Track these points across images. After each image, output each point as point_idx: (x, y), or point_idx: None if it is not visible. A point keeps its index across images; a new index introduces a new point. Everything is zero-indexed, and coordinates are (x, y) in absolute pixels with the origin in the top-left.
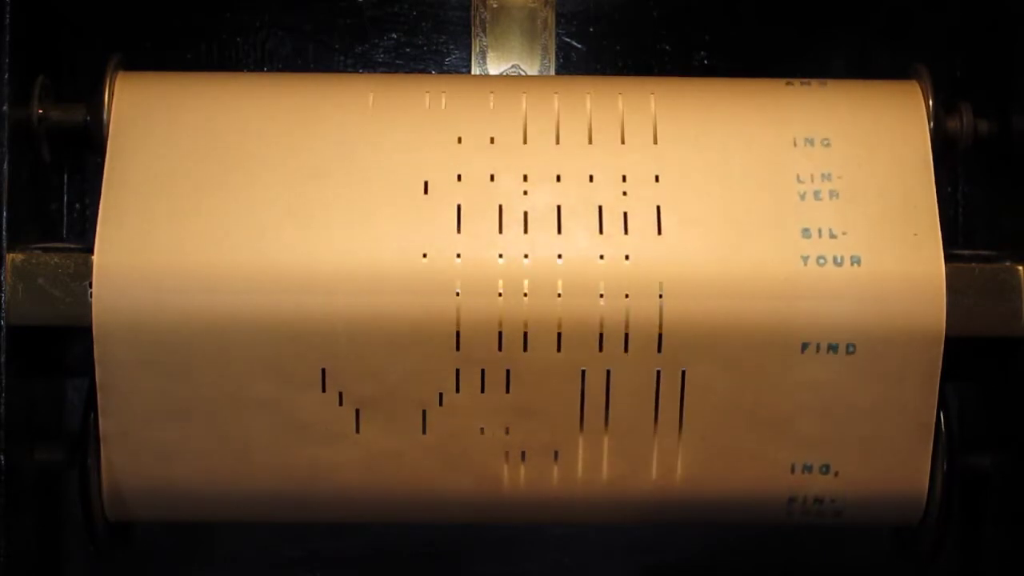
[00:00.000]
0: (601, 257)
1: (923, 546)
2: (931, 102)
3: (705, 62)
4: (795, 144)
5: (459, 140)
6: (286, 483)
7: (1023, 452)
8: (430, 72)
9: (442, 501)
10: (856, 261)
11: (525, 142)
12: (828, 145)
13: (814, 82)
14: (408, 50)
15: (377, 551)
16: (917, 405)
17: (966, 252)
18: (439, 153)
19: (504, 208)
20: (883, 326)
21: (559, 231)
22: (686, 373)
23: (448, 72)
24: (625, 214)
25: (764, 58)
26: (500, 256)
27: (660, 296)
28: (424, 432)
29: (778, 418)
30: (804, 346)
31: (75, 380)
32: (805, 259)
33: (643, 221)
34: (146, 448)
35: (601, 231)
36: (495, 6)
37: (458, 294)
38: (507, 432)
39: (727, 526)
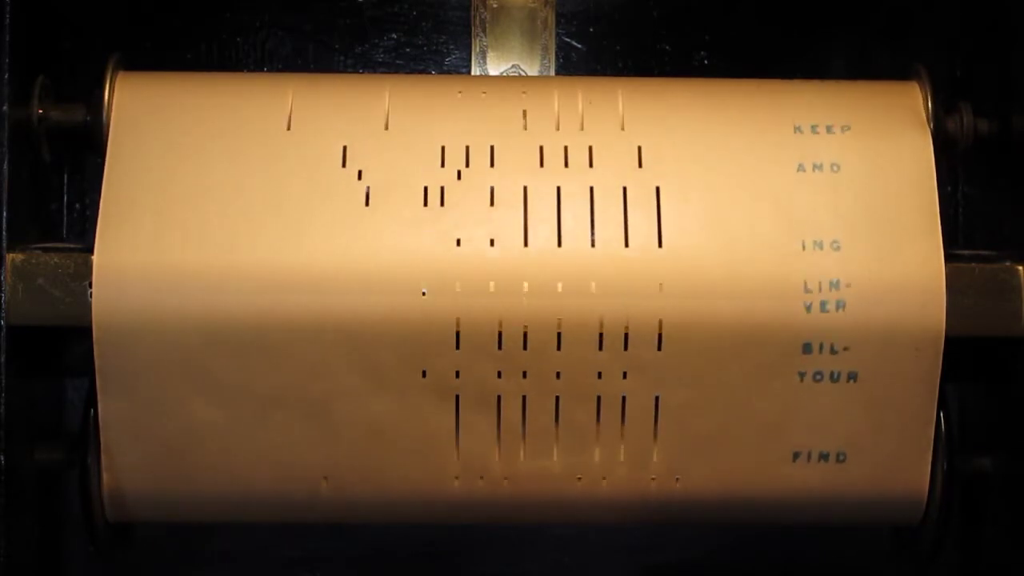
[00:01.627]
0: (599, 375)
1: (923, 546)
2: (931, 102)
3: (705, 62)
4: (804, 247)
5: (458, 243)
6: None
7: (1023, 452)
8: (430, 72)
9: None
10: (853, 377)
11: (526, 245)
12: (838, 249)
13: (826, 166)
14: (408, 50)
15: (377, 551)
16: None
17: (966, 252)
18: (438, 257)
19: (504, 321)
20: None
21: (558, 347)
22: (679, 479)
23: (448, 71)
24: (626, 332)
25: (764, 58)
26: (499, 374)
27: (655, 413)
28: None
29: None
30: (796, 455)
31: (75, 380)
32: (802, 375)
33: (644, 337)
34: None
35: (601, 348)
36: (495, 6)
37: (458, 414)
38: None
39: (727, 526)
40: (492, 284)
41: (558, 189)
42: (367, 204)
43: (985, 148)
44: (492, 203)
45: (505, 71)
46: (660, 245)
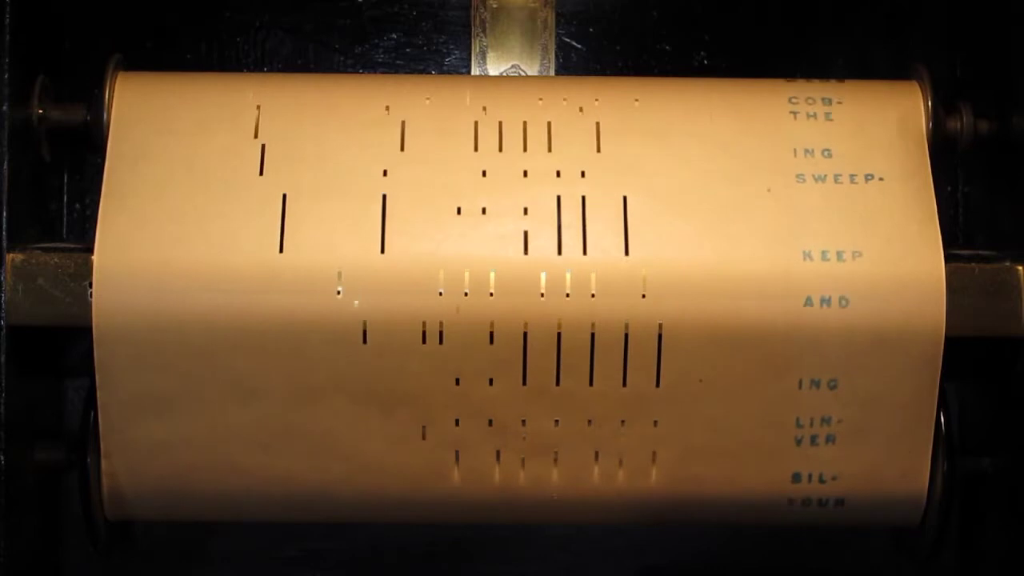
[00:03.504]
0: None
1: (923, 546)
2: (931, 102)
3: (705, 62)
4: (800, 386)
5: (457, 382)
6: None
7: (1023, 452)
8: (430, 72)
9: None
10: (840, 503)
11: (525, 383)
12: (835, 387)
13: (834, 300)
14: (408, 50)
15: (377, 551)
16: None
17: (966, 252)
18: (438, 394)
19: (502, 452)
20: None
21: (554, 478)
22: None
23: (448, 72)
24: (620, 464)
25: (764, 58)
26: (498, 489)
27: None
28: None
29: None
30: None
31: (75, 380)
32: (791, 501)
33: (639, 462)
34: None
35: (597, 468)
36: (495, 6)
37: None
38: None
39: (727, 526)
40: (491, 420)
41: (559, 324)
42: (364, 342)
43: (985, 148)
44: (492, 341)
45: (505, 71)
46: (658, 384)
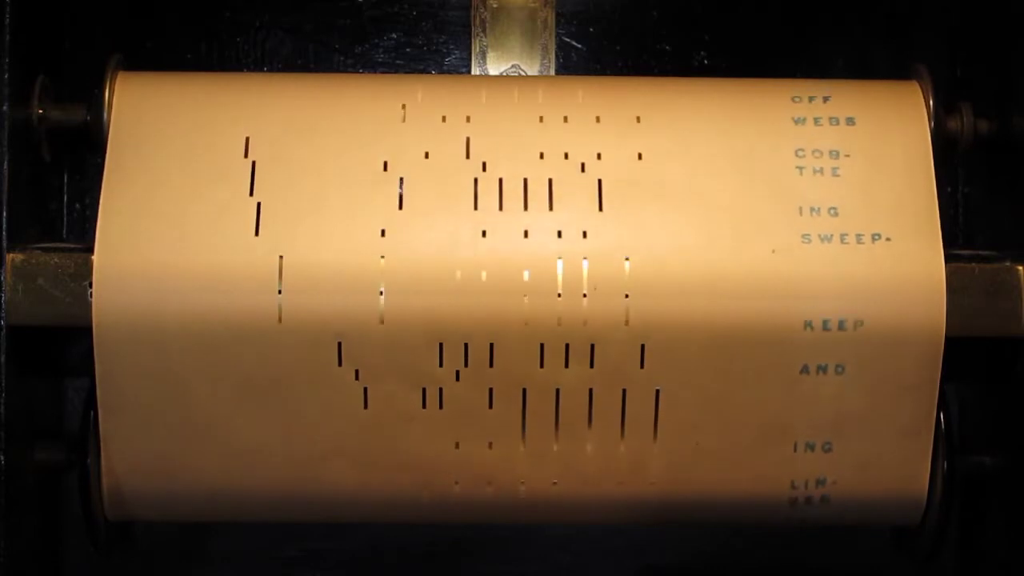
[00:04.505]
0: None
1: (923, 546)
2: (931, 102)
3: (705, 62)
4: (795, 449)
5: (456, 446)
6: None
7: (1023, 452)
8: (430, 72)
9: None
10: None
11: (523, 447)
12: (829, 450)
13: (831, 367)
14: (408, 50)
15: (377, 551)
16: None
17: (966, 252)
18: (438, 458)
19: (501, 512)
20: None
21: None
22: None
23: (448, 71)
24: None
25: (764, 58)
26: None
27: None
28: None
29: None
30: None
31: (75, 380)
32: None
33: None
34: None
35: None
36: (495, 6)
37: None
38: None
39: (727, 526)
40: (490, 480)
41: (557, 392)
42: (365, 407)
43: (985, 148)
44: (491, 406)
45: (505, 71)
46: (655, 438)
